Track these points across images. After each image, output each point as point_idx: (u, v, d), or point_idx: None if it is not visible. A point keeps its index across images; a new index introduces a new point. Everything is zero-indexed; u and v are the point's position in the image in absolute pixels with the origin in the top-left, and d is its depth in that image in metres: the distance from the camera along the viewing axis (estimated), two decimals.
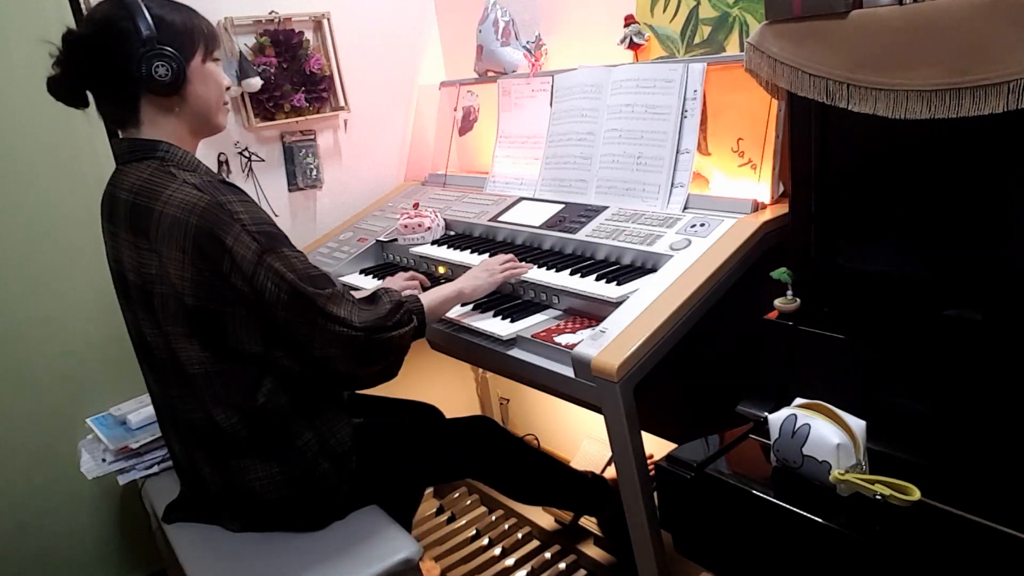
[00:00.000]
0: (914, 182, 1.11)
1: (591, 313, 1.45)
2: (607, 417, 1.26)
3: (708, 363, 1.37)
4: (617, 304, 1.35)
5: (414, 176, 2.41)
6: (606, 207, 1.67)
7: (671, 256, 1.41)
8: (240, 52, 2.00)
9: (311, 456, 1.35)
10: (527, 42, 2.03)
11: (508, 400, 2.55)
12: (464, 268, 1.64)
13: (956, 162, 1.06)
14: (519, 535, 2.09)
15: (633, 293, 1.36)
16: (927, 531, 0.91)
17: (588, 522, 1.98)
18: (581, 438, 2.21)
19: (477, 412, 2.56)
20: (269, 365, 1.29)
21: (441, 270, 1.82)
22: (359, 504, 1.42)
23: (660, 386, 1.27)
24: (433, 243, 1.92)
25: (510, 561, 1.98)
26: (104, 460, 1.70)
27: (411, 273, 1.76)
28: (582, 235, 1.63)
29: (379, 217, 2.18)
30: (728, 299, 1.34)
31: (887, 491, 0.92)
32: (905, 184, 1.12)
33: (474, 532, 2.14)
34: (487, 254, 1.71)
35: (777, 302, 1.26)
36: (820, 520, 0.95)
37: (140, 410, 1.79)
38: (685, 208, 1.55)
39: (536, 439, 2.32)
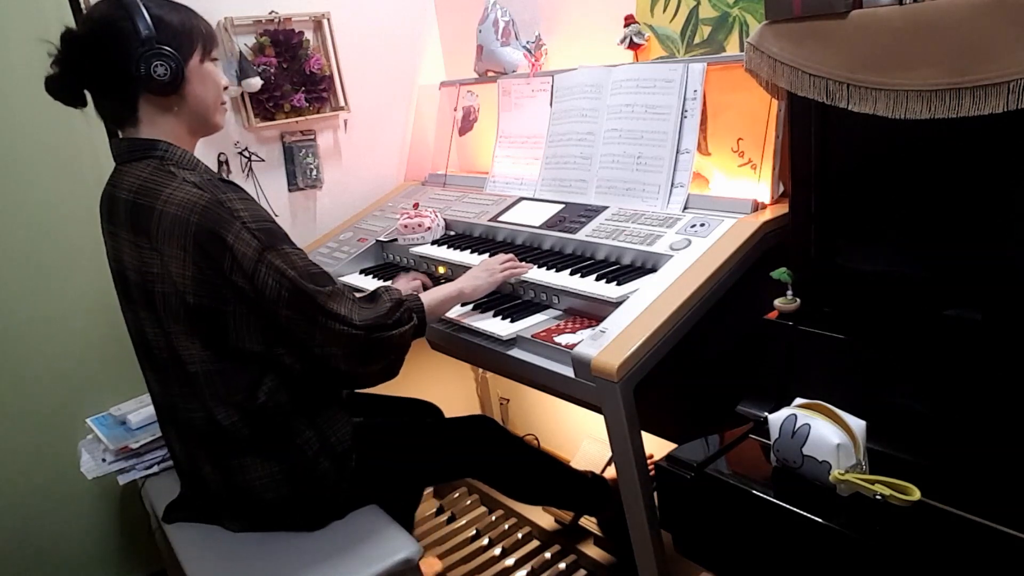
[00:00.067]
0: (914, 182, 1.11)
1: (591, 313, 1.45)
2: (607, 417, 1.26)
3: (708, 363, 1.37)
4: (617, 304, 1.35)
5: (414, 176, 2.41)
6: (606, 207, 1.67)
7: (671, 256, 1.41)
8: (240, 52, 2.00)
9: (311, 454, 1.35)
10: (527, 42, 2.03)
11: (508, 400, 2.55)
12: (464, 268, 1.64)
13: (956, 162, 1.06)
14: (519, 535, 2.09)
15: (633, 293, 1.36)
16: (927, 531, 0.91)
17: (588, 522, 1.98)
18: (581, 438, 2.21)
19: (477, 412, 2.56)
20: (270, 363, 1.29)
21: (441, 270, 1.82)
22: (359, 503, 1.42)
23: (660, 386, 1.27)
24: (433, 243, 1.92)
25: (510, 561, 1.98)
26: (104, 460, 1.70)
27: (413, 274, 1.76)
28: (582, 235, 1.63)
29: (379, 217, 2.18)
30: (728, 299, 1.34)
31: (887, 491, 0.92)
32: (905, 184, 1.12)
33: (474, 532, 2.14)
34: (487, 254, 1.71)
35: (777, 302, 1.26)
36: (820, 520, 0.95)
37: (140, 410, 1.79)
38: (685, 208, 1.55)
39: (536, 439, 2.32)
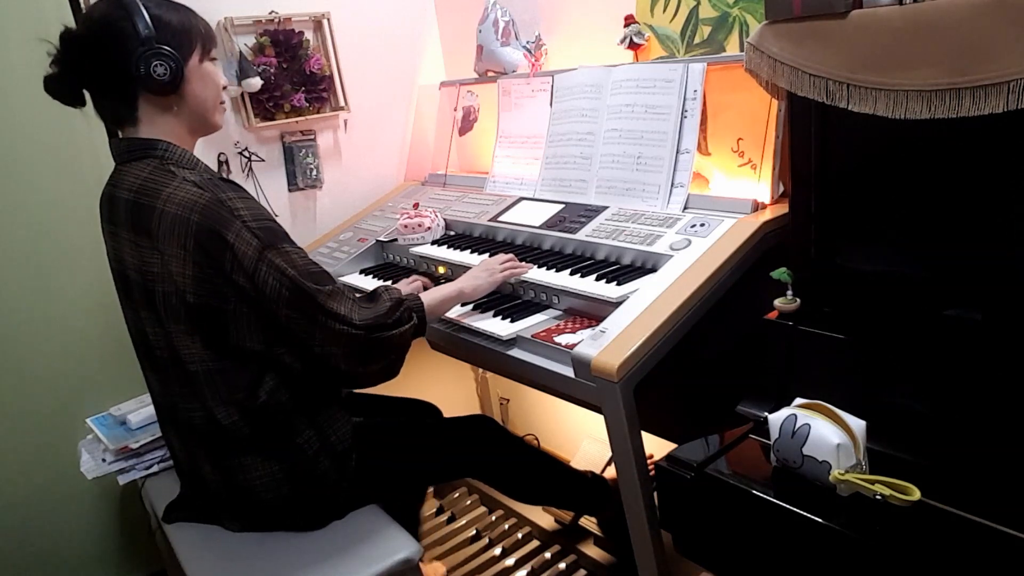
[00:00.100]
0: (914, 182, 1.11)
1: (591, 313, 1.45)
2: (607, 417, 1.26)
3: (708, 363, 1.37)
4: (617, 304, 1.35)
5: (414, 176, 2.41)
6: (606, 207, 1.67)
7: (671, 256, 1.41)
8: (240, 52, 2.00)
9: (312, 454, 1.35)
10: (527, 42, 2.03)
11: (508, 400, 2.55)
12: (464, 268, 1.64)
13: (956, 162, 1.06)
14: (519, 535, 2.09)
15: (633, 293, 1.36)
16: (927, 531, 0.91)
17: (588, 522, 1.98)
18: (581, 438, 2.21)
19: (477, 412, 2.56)
20: (270, 363, 1.29)
21: (441, 270, 1.82)
22: (359, 503, 1.42)
23: (660, 386, 1.27)
24: (433, 243, 1.92)
25: (510, 561, 1.98)
26: (104, 460, 1.70)
27: (415, 276, 1.76)
28: (582, 235, 1.63)
29: (379, 217, 2.18)
30: (728, 299, 1.34)
31: (887, 491, 0.92)
32: (905, 184, 1.12)
33: (474, 532, 2.14)
34: (487, 254, 1.71)
35: (777, 302, 1.26)
36: (820, 520, 0.95)
37: (140, 410, 1.79)
38: (685, 208, 1.55)
39: (536, 439, 2.32)
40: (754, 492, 1.03)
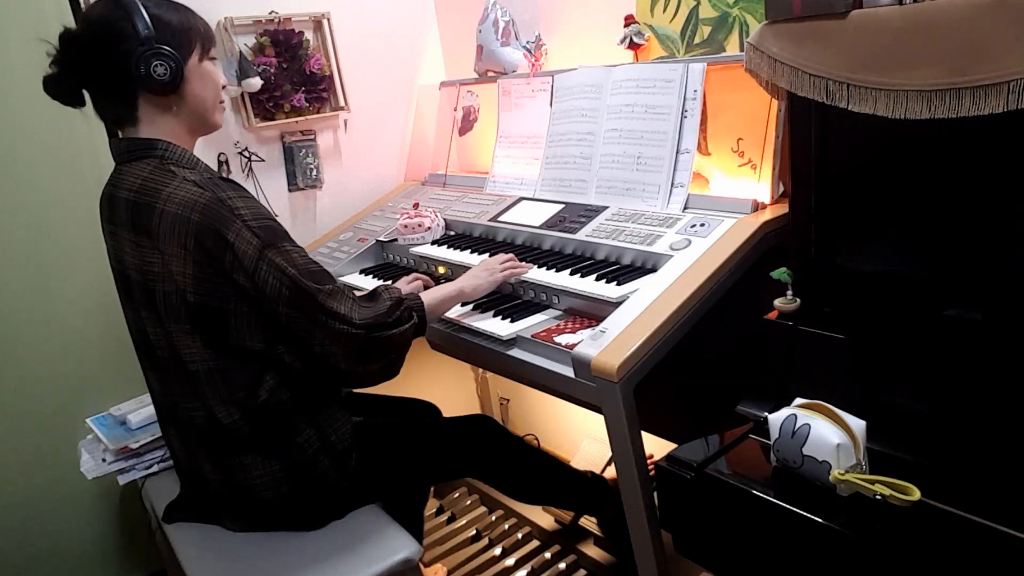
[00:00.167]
0: (914, 182, 1.11)
1: (591, 313, 1.45)
2: (607, 417, 1.26)
3: (708, 363, 1.37)
4: (617, 304, 1.35)
5: (414, 176, 2.41)
6: (606, 207, 1.67)
7: (671, 256, 1.41)
8: (240, 52, 2.00)
9: (312, 453, 1.35)
10: (527, 42, 2.03)
11: (508, 400, 2.55)
12: (464, 268, 1.64)
13: (956, 162, 1.06)
14: (519, 535, 2.09)
15: (633, 293, 1.36)
16: (927, 531, 0.91)
17: (588, 522, 1.98)
18: (581, 438, 2.21)
19: (477, 412, 2.56)
20: (270, 362, 1.29)
21: (441, 270, 1.82)
22: (359, 503, 1.42)
23: (660, 386, 1.27)
24: (433, 243, 1.92)
25: (510, 561, 1.98)
26: (104, 460, 1.70)
27: (415, 275, 1.76)
28: (582, 235, 1.63)
29: (379, 217, 2.18)
30: (728, 299, 1.34)
31: (887, 491, 0.92)
32: (905, 184, 1.12)
33: (474, 532, 2.14)
34: (487, 254, 1.71)
35: (777, 302, 1.26)
36: (820, 520, 0.95)
37: (140, 410, 1.79)
38: (685, 208, 1.55)
39: (536, 439, 2.32)
40: (754, 492, 1.03)
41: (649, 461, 1.28)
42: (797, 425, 1.01)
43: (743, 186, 1.51)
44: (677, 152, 1.57)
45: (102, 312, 1.97)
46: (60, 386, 1.99)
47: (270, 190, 2.14)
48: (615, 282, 1.43)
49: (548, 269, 1.57)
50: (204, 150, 1.98)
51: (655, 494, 1.23)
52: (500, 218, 1.86)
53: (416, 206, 2.03)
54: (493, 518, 2.19)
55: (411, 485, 1.67)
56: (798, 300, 1.25)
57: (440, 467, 1.59)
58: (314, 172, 2.19)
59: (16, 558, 2.01)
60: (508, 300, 1.59)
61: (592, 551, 1.94)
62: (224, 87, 1.38)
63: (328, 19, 2.13)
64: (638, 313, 1.29)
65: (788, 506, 0.98)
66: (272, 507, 1.35)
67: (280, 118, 2.09)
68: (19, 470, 1.98)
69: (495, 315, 1.52)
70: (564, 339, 1.35)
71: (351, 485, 1.40)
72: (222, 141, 2.03)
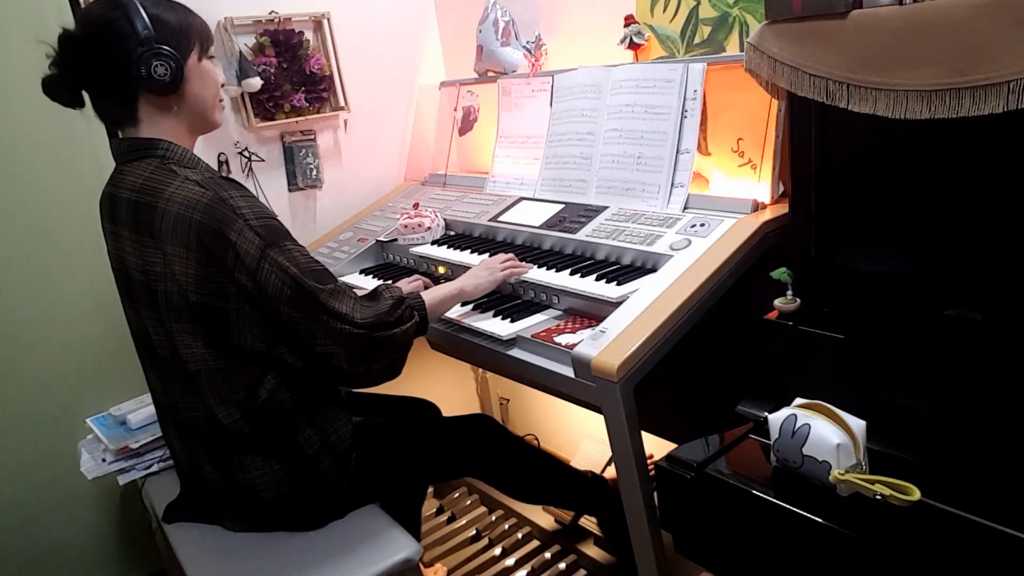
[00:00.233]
0: (914, 182, 1.11)
1: (591, 313, 1.45)
2: (607, 417, 1.26)
3: (708, 363, 1.37)
4: (617, 304, 1.35)
5: (414, 176, 2.41)
6: (606, 207, 1.67)
7: (671, 256, 1.41)
8: (240, 52, 2.00)
9: (312, 453, 1.35)
10: (527, 42, 2.03)
11: (508, 400, 2.55)
12: (464, 268, 1.64)
13: (956, 162, 1.06)
14: (519, 535, 2.09)
15: (633, 293, 1.36)
16: (927, 531, 0.91)
17: (588, 522, 1.98)
18: (581, 438, 2.21)
19: (477, 412, 2.56)
20: (272, 362, 1.29)
21: (441, 270, 1.82)
22: (359, 503, 1.42)
23: (660, 386, 1.27)
24: (433, 243, 1.92)
25: (510, 561, 1.98)
26: (104, 460, 1.70)
27: (415, 276, 1.76)
28: (582, 235, 1.63)
29: (379, 217, 2.18)
30: (728, 299, 1.34)
31: (887, 491, 0.92)
32: (905, 184, 1.12)
33: (474, 532, 2.14)
34: (487, 254, 1.71)
35: (777, 302, 1.26)
36: (820, 520, 0.95)
37: (140, 410, 1.79)
38: (685, 208, 1.55)
39: (536, 439, 2.32)
40: (754, 492, 1.03)
41: (649, 461, 1.28)
42: (797, 425, 1.01)
43: (743, 186, 1.51)
44: (677, 152, 1.57)
45: (102, 312, 1.97)
46: (60, 386, 1.99)
47: (270, 190, 2.14)
48: (615, 282, 1.43)
49: (548, 269, 1.57)
50: (204, 150, 1.98)
51: (655, 494, 1.23)
52: (500, 218, 1.86)
53: (416, 206, 2.03)
54: (493, 518, 2.19)
55: (411, 485, 1.68)
56: (798, 300, 1.25)
57: (440, 467, 1.59)
58: (314, 172, 2.19)
59: (16, 558, 2.01)
60: (508, 300, 1.59)
61: (592, 551, 1.94)
62: (223, 86, 1.38)
63: (328, 19, 2.13)
64: (638, 313, 1.29)
65: (788, 506, 0.98)
66: (272, 507, 1.35)
67: (280, 118, 2.09)
68: (19, 470, 1.98)
69: (495, 315, 1.52)
70: (564, 339, 1.35)
71: (351, 485, 1.40)
72: (222, 141, 2.03)
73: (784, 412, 1.04)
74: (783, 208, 1.40)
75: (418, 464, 1.54)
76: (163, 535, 1.49)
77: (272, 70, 2.06)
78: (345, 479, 1.39)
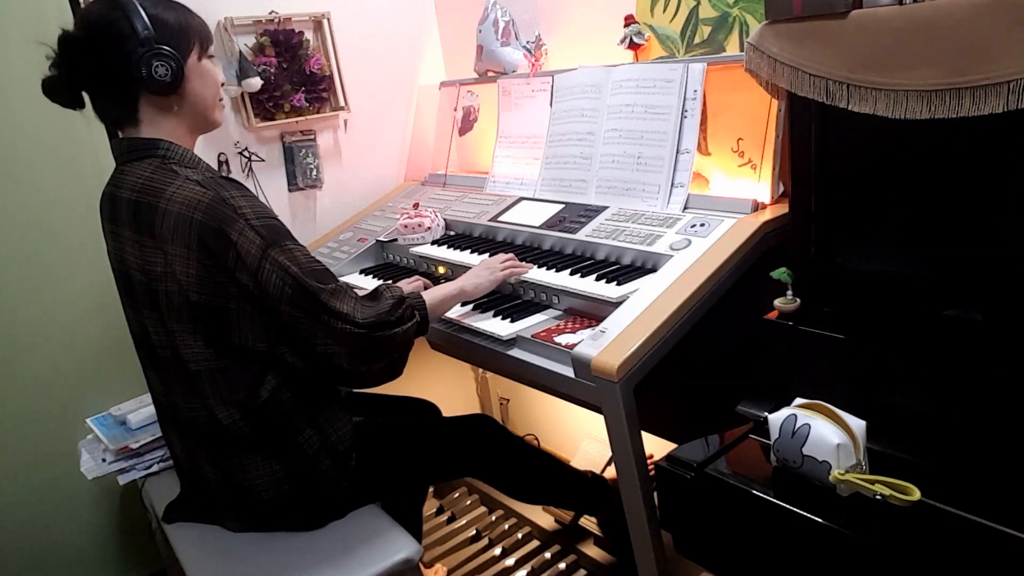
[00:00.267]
0: (914, 182, 1.11)
1: (591, 313, 1.45)
2: (607, 417, 1.26)
3: (708, 363, 1.37)
4: (617, 304, 1.35)
5: (414, 176, 2.41)
6: (606, 207, 1.67)
7: (671, 256, 1.41)
8: (240, 52, 2.00)
9: (312, 453, 1.35)
10: (527, 42, 2.03)
11: (508, 400, 2.55)
12: (464, 268, 1.64)
13: (956, 162, 1.06)
14: (519, 535, 2.09)
15: (633, 293, 1.36)
16: (927, 531, 0.91)
17: (588, 522, 1.98)
18: (581, 438, 2.21)
19: (477, 412, 2.56)
20: (272, 362, 1.29)
21: (441, 270, 1.82)
22: (359, 503, 1.42)
23: (660, 386, 1.27)
24: (433, 243, 1.92)
25: (510, 561, 1.98)
26: (104, 460, 1.70)
27: (415, 276, 1.76)
28: (582, 235, 1.63)
29: (379, 217, 2.18)
30: (728, 299, 1.34)
31: (887, 491, 0.92)
32: (905, 184, 1.12)
33: (474, 532, 2.14)
34: (487, 254, 1.71)
35: (777, 302, 1.26)
36: (820, 520, 0.95)
37: (140, 410, 1.79)
38: (685, 208, 1.55)
39: (536, 439, 2.32)
40: (754, 492, 1.03)
41: (649, 461, 1.28)
42: (797, 425, 1.01)
43: (743, 186, 1.51)
44: (677, 152, 1.57)
45: (102, 312, 1.97)
46: (60, 386, 1.99)
47: (270, 190, 2.14)
48: (615, 282, 1.43)
49: (548, 269, 1.57)
50: (204, 150, 1.98)
51: (655, 494, 1.23)
52: (500, 218, 1.86)
53: (416, 206, 2.03)
54: (493, 518, 2.19)
55: (411, 485, 1.68)
56: (798, 300, 1.25)
57: (440, 467, 1.59)
58: (314, 172, 2.20)
59: (16, 558, 2.01)
60: (508, 300, 1.59)
61: (592, 551, 1.94)
62: (223, 85, 1.38)
63: (328, 19, 2.13)
64: (638, 313, 1.29)
65: (788, 506, 0.98)
66: (272, 507, 1.35)
67: (280, 118, 2.09)
68: (19, 470, 1.98)
69: (495, 315, 1.52)
70: (564, 339, 1.35)
71: (351, 485, 1.40)
72: (222, 141, 2.04)
73: (784, 412, 1.04)
74: (783, 208, 1.40)
75: (418, 464, 1.54)
76: (163, 535, 1.49)
77: (272, 70, 2.06)
78: (345, 479, 1.39)
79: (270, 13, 2.06)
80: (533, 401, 2.44)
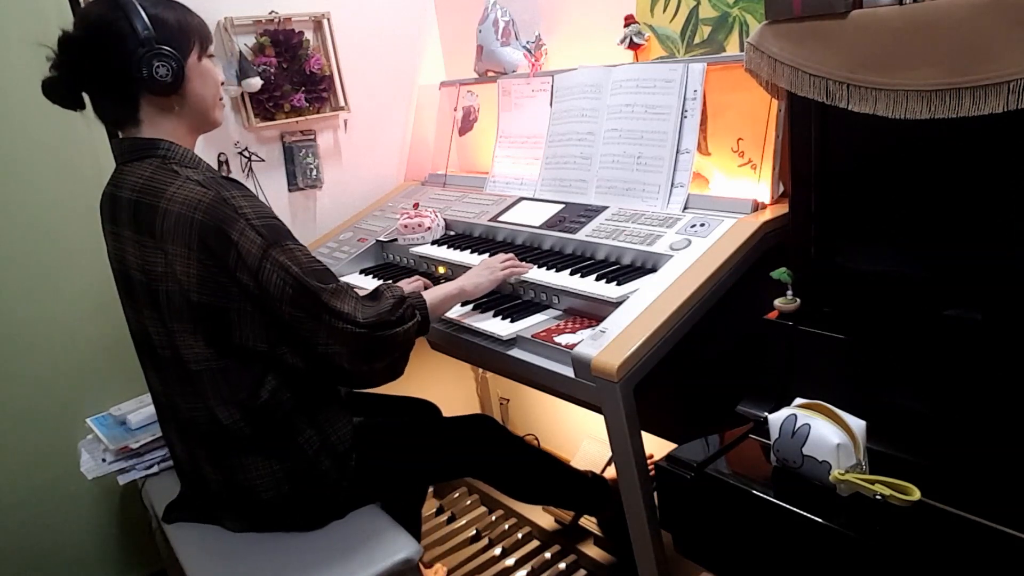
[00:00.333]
0: (914, 182, 1.11)
1: (591, 313, 1.45)
2: (607, 417, 1.26)
3: (708, 363, 1.37)
4: (617, 304, 1.35)
5: (414, 176, 2.41)
6: (606, 207, 1.67)
7: (671, 256, 1.41)
8: (240, 52, 2.00)
9: (312, 453, 1.35)
10: (527, 42, 2.03)
11: (508, 400, 2.55)
12: (464, 268, 1.64)
13: (956, 162, 1.06)
14: (519, 535, 2.09)
15: (633, 293, 1.36)
16: (927, 531, 0.91)
17: (588, 522, 1.98)
18: (581, 438, 2.21)
19: (477, 412, 2.56)
20: (273, 362, 1.29)
21: (441, 270, 1.82)
22: (359, 503, 1.42)
23: (660, 386, 1.27)
24: (433, 243, 1.92)
25: (510, 561, 1.99)
26: (104, 460, 1.70)
27: (415, 276, 1.76)
28: (582, 235, 1.63)
29: (379, 217, 2.18)
30: (728, 299, 1.34)
31: (887, 491, 0.92)
32: (905, 184, 1.13)
33: (474, 532, 2.14)
34: (487, 254, 1.71)
35: (777, 302, 1.26)
36: (820, 520, 0.95)
37: (140, 410, 1.79)
38: (685, 208, 1.55)
39: (536, 439, 2.32)
40: (754, 492, 1.03)
41: (649, 461, 1.28)
42: (797, 425, 1.01)
43: (743, 186, 1.51)
44: (677, 152, 1.57)
45: (102, 312, 1.97)
46: (60, 386, 1.99)
47: (270, 190, 2.14)
48: (615, 282, 1.43)
49: (548, 269, 1.57)
50: (204, 150, 1.98)
51: (655, 494, 1.23)
52: (500, 218, 1.86)
53: (416, 206, 2.03)
54: (493, 518, 2.19)
55: (411, 485, 1.68)
56: (798, 300, 1.25)
57: (440, 467, 1.59)
58: (314, 172, 2.20)
59: (16, 558, 2.00)
60: (508, 300, 1.59)
61: (592, 551, 1.94)
62: (222, 83, 1.38)
63: (328, 19, 2.13)
64: (638, 313, 1.29)
65: (788, 506, 0.98)
66: (272, 507, 1.35)
67: (280, 118, 2.09)
68: (19, 470, 1.97)
69: (495, 315, 1.52)
70: (564, 339, 1.35)
71: (351, 485, 1.40)
72: (222, 141, 2.04)
73: (784, 412, 1.04)
74: (783, 208, 1.40)
75: (418, 464, 1.54)
76: (163, 535, 1.49)
77: (272, 70, 2.06)
78: (345, 479, 1.39)
79: (270, 13, 2.06)
80: (533, 401, 2.44)
